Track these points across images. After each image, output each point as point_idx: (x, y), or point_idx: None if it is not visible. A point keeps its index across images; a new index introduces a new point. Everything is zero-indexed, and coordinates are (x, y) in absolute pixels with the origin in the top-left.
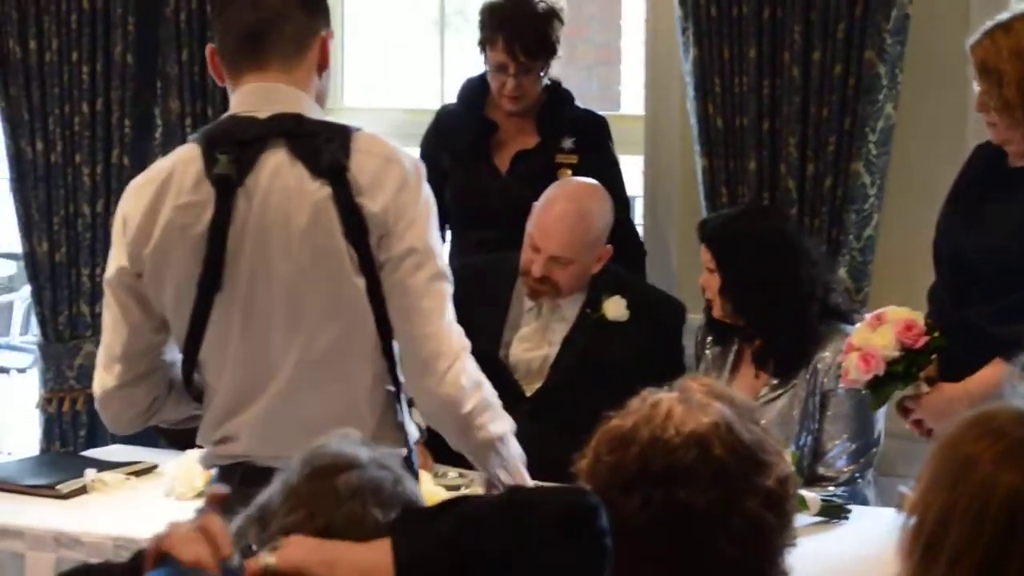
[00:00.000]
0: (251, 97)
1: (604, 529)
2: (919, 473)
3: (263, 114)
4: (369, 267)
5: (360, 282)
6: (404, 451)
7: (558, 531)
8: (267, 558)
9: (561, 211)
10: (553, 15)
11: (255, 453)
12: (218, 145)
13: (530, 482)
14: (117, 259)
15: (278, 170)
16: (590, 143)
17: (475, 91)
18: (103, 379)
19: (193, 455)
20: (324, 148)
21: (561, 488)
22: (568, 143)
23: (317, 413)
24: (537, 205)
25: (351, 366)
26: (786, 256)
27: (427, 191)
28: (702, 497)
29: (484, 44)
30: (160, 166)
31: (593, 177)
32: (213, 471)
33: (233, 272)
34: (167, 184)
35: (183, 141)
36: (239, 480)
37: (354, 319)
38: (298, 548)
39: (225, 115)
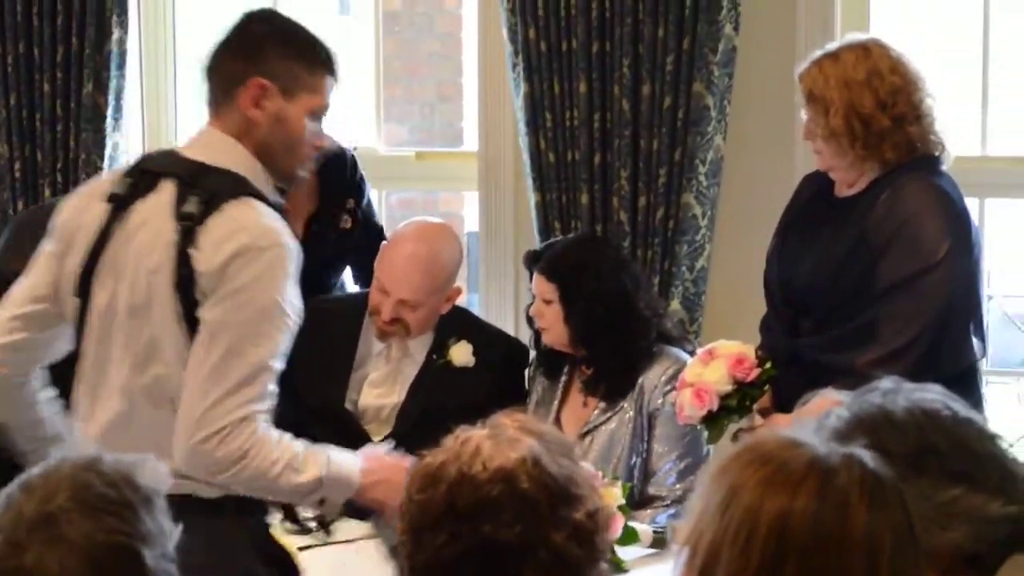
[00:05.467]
0: (192, 136)
1: None
2: (690, 504)
3: (186, 153)
4: (191, 318)
5: (183, 328)
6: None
7: None
8: None
9: (410, 253)
10: None
11: None
12: (131, 168)
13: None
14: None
15: (157, 208)
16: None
17: None
18: None
19: None
20: (192, 198)
21: None
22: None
23: (144, 442)
24: (385, 246)
25: (169, 404)
26: (626, 284)
27: (268, 272)
28: (508, 531)
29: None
30: (110, 170)
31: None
32: None
33: (99, 286)
34: (95, 186)
35: (12, 184)
36: None
37: (173, 363)
38: None
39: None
